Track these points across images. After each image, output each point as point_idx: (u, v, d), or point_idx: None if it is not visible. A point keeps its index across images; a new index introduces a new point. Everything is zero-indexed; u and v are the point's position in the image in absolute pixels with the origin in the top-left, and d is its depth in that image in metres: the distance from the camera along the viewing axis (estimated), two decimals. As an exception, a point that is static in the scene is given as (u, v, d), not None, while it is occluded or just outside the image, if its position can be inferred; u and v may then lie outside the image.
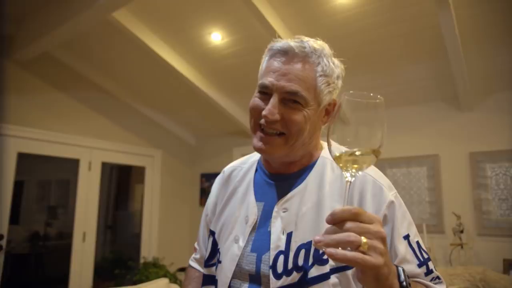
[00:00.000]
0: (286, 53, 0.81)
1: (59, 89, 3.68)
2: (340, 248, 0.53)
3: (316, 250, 0.77)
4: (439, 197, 3.28)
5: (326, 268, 0.75)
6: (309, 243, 0.78)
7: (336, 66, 0.83)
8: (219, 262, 0.89)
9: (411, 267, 0.76)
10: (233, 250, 0.86)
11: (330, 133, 0.62)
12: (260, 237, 0.84)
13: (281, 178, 0.89)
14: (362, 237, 0.53)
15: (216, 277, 0.89)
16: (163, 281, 2.51)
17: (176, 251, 4.60)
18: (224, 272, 0.86)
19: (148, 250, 4.41)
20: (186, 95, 3.96)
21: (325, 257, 0.75)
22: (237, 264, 0.84)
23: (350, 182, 0.62)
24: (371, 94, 0.60)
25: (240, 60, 3.26)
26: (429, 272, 0.78)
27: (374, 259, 0.53)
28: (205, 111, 4.29)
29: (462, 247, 3.03)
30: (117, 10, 2.60)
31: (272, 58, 0.83)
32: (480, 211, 3.07)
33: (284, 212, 0.83)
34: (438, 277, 0.80)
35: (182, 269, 4.18)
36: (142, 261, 4.17)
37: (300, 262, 0.77)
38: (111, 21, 2.74)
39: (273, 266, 0.79)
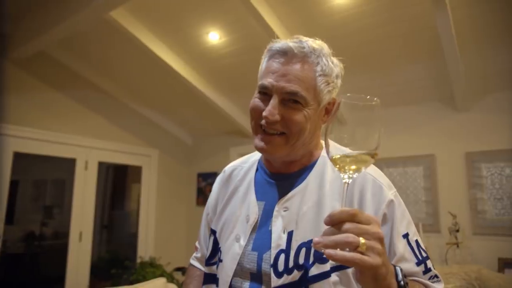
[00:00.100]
0: (285, 54, 0.81)
1: (55, 88, 3.66)
2: (338, 249, 0.54)
3: None
4: (435, 197, 3.30)
5: (326, 267, 0.76)
6: (310, 241, 0.79)
7: (335, 65, 0.84)
8: (220, 261, 0.90)
9: (409, 265, 0.77)
10: (234, 249, 0.86)
11: (328, 133, 0.63)
12: (261, 236, 0.85)
13: (281, 177, 0.90)
14: (360, 238, 0.54)
15: (217, 276, 0.90)
16: (161, 281, 2.51)
17: (173, 251, 4.59)
18: (226, 270, 0.86)
19: (145, 250, 4.40)
20: (183, 95, 3.96)
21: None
22: (238, 263, 0.85)
23: (348, 183, 0.63)
24: (368, 97, 0.60)
25: (238, 59, 3.26)
26: (427, 270, 0.79)
27: (372, 259, 0.54)
28: (202, 110, 4.29)
29: (458, 246, 3.05)
30: (114, 9, 2.59)
31: (271, 59, 0.83)
32: (475, 210, 3.10)
33: (285, 211, 0.84)
34: (436, 276, 0.81)
35: (179, 269, 4.18)
36: (138, 260, 4.16)
37: (301, 260, 0.78)
38: (108, 20, 2.73)
39: (274, 265, 0.79)
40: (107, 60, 3.68)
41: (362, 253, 0.53)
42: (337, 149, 0.62)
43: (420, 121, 3.48)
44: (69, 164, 3.81)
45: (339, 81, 0.86)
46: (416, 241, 0.81)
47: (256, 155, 1.01)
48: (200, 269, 1.07)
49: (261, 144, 0.83)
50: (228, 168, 1.06)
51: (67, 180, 3.90)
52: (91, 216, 3.91)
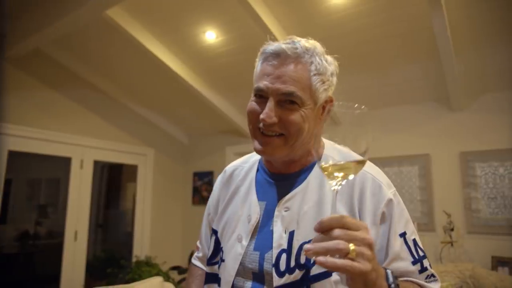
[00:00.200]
0: (279, 56, 0.81)
1: (51, 87, 3.63)
2: (329, 255, 0.55)
3: None
4: (430, 196, 3.33)
5: None
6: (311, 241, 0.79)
7: (329, 63, 0.84)
8: (223, 260, 0.90)
9: (405, 264, 0.78)
10: (236, 249, 0.87)
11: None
12: (263, 236, 0.85)
13: (282, 177, 0.91)
14: (350, 244, 0.55)
15: (219, 276, 0.90)
16: (157, 280, 2.49)
17: (168, 250, 4.58)
18: (228, 270, 0.87)
19: (141, 249, 4.39)
20: (180, 94, 3.95)
21: None
22: (240, 263, 0.85)
23: (337, 191, 0.64)
24: (356, 105, 0.62)
25: (234, 58, 3.25)
26: (423, 269, 0.80)
27: (362, 265, 0.55)
28: (198, 109, 4.28)
29: (452, 244, 3.09)
30: (111, 7, 2.57)
31: (265, 62, 0.83)
32: (469, 209, 3.13)
33: (286, 211, 0.84)
34: (433, 275, 0.82)
35: (175, 268, 4.17)
36: (134, 260, 4.15)
37: (302, 260, 0.79)
38: (105, 19, 2.71)
39: (276, 264, 0.80)
40: (104, 59, 3.66)
41: (352, 259, 0.54)
42: (334, 149, 0.63)
43: (416, 120, 3.51)
44: (64, 163, 3.78)
45: (334, 79, 0.86)
46: (414, 240, 0.82)
47: (256, 155, 1.02)
48: (201, 269, 1.07)
49: (260, 147, 0.84)
50: (229, 168, 1.06)
51: (62, 179, 3.87)
52: (87, 215, 3.89)
